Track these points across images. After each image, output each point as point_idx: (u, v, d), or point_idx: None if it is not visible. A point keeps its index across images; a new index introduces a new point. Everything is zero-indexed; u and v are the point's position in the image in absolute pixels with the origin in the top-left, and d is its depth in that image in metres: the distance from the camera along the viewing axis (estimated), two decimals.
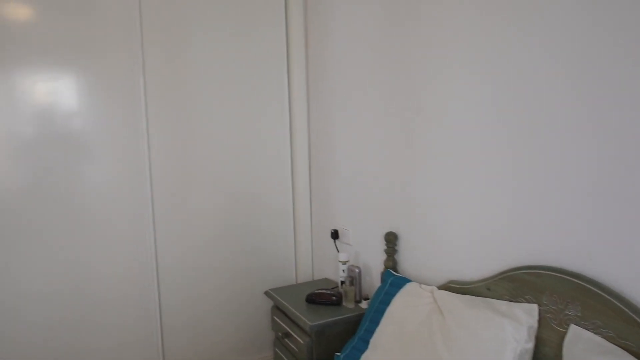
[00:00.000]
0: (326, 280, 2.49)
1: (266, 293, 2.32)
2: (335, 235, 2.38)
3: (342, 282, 2.16)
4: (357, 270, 2.13)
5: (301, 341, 1.98)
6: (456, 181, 1.68)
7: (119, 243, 2.21)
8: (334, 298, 2.10)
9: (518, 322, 1.33)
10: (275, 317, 2.24)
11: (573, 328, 1.25)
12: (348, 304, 2.09)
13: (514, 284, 1.44)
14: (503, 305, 1.41)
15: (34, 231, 2.05)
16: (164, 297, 2.32)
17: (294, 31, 2.50)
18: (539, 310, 1.36)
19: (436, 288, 1.67)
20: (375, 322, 1.72)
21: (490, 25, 1.49)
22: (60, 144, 2.07)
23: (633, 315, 1.14)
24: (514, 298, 1.44)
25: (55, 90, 2.05)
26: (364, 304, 2.08)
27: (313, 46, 2.49)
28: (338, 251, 2.34)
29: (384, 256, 2.04)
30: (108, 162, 2.16)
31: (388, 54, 1.96)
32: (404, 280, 1.79)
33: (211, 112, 2.37)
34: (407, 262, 1.95)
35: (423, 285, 1.71)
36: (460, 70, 1.61)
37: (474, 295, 1.55)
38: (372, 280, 2.18)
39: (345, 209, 2.33)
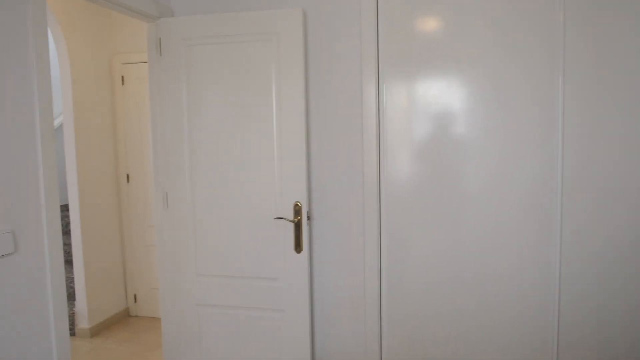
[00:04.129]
0: None
1: None
2: None
3: None
4: None
5: None
6: None
7: (516, 241, 2.21)
8: None
9: None
10: None
11: None
12: None
13: None
14: None
15: (429, 220, 2.29)
16: (563, 308, 2.20)
17: None
18: None
19: None
20: None
21: None
22: (456, 145, 2.22)
23: None
24: None
25: (455, 95, 2.20)
26: None
27: None
28: None
29: None
30: (516, 163, 2.18)
31: None
32: None
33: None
34: None
35: None
36: None
37: None
38: None
39: None
